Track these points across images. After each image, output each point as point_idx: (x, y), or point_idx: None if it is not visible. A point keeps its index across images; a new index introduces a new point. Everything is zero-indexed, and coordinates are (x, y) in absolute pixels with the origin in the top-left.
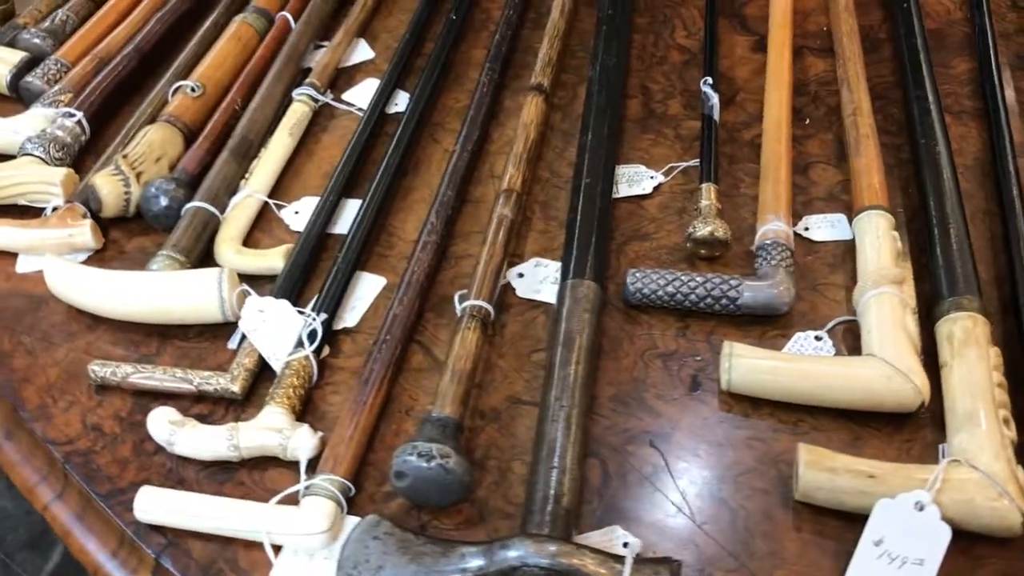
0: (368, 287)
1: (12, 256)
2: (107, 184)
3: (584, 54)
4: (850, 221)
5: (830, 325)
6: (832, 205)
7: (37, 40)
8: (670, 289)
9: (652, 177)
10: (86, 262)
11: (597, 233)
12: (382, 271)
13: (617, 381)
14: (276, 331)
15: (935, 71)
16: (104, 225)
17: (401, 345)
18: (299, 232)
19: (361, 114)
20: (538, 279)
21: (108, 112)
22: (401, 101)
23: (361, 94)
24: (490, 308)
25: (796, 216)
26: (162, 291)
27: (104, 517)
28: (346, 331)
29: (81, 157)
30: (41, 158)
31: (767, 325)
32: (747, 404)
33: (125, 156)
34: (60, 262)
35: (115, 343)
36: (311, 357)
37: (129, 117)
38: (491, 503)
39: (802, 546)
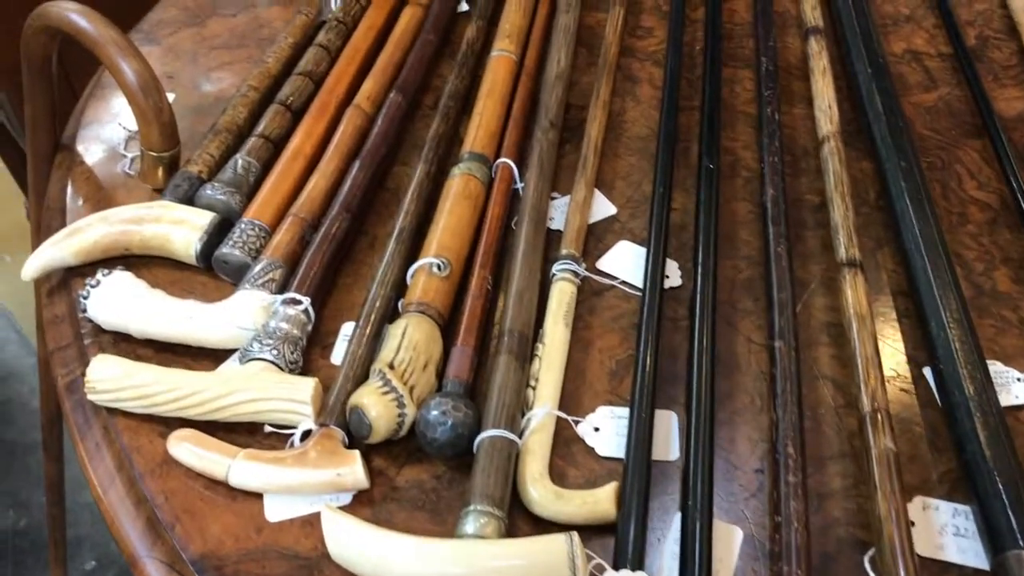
0: (724, 542)
1: (255, 497)
2: (378, 405)
3: (865, 209)
4: None
5: None
6: None
7: (222, 196)
8: None
9: (1020, 380)
10: (351, 505)
11: (1021, 477)
12: (731, 516)
13: None
14: None
15: None
16: (365, 451)
17: None
18: (608, 458)
19: (628, 289)
20: (934, 529)
21: (326, 289)
22: (670, 272)
23: (617, 262)
24: None
25: None
26: (493, 563)
27: None
28: None
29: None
30: (276, 364)
31: None
32: None
33: (392, 366)
34: (348, 523)
35: None
36: None
37: (345, 292)
38: None
39: None
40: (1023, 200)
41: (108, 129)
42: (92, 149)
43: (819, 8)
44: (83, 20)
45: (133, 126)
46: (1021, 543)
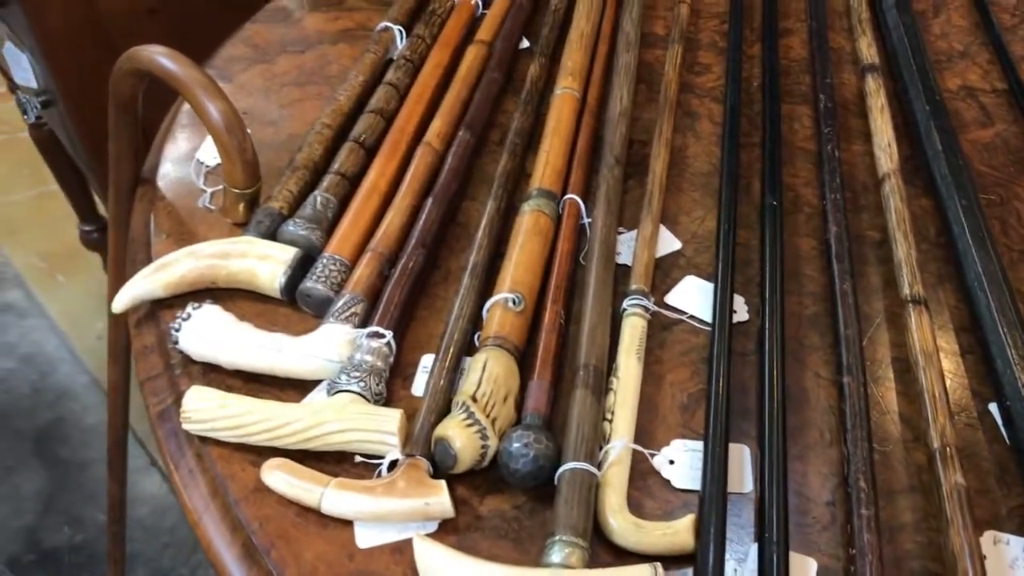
0: (800, 573)
1: (346, 524)
2: (463, 436)
3: (925, 246)
4: None
5: None
6: None
7: (304, 232)
8: None
9: None
10: (436, 534)
11: None
12: (805, 548)
13: None
14: None
15: None
16: (449, 481)
17: None
18: (683, 490)
19: (696, 324)
20: (1006, 562)
21: (405, 321)
22: (737, 307)
23: (684, 296)
24: None
25: None
26: None
27: None
28: None
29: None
30: (363, 395)
31: None
32: None
33: (474, 399)
34: (439, 552)
35: None
36: None
37: (422, 324)
38: None
39: None
40: None
41: (186, 164)
42: (172, 184)
43: (874, 45)
44: (171, 63)
45: (210, 161)
46: None
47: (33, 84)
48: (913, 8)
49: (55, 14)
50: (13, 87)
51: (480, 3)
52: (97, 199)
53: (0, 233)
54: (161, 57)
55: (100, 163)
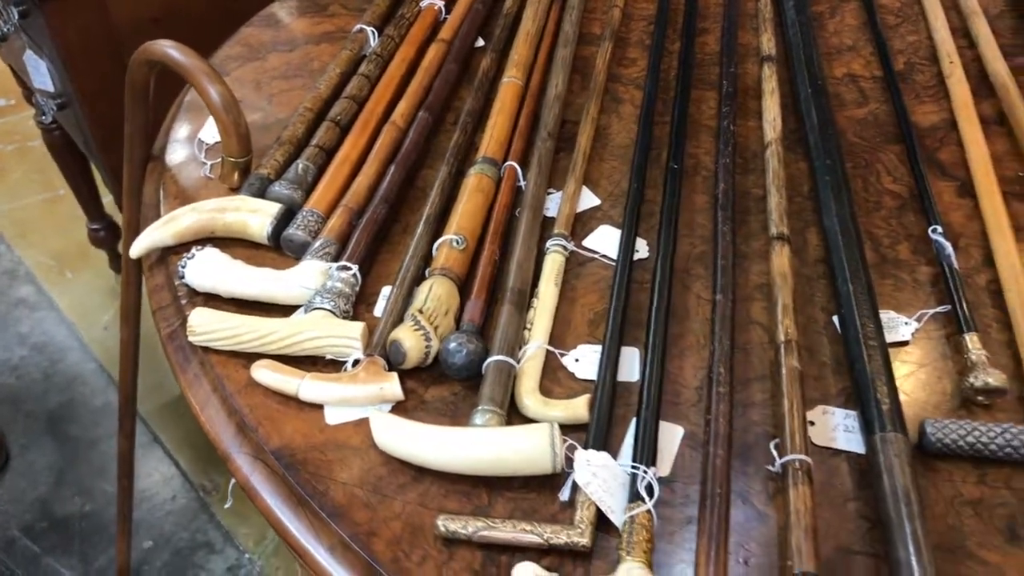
0: (669, 436)
1: (318, 408)
2: (410, 338)
3: (799, 199)
4: None
5: None
6: None
7: (287, 191)
8: (970, 439)
9: (907, 324)
10: (389, 414)
11: (889, 385)
12: (676, 419)
13: (935, 530)
14: (608, 484)
15: None
16: (401, 376)
17: (728, 498)
18: (585, 380)
19: (606, 260)
20: (830, 427)
21: (369, 261)
22: (640, 247)
23: (599, 240)
24: (810, 461)
25: None
26: (496, 446)
27: None
28: (661, 479)
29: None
30: (332, 312)
31: None
32: None
33: (421, 311)
34: (389, 418)
35: (446, 495)
36: (653, 512)
37: (384, 264)
38: None
39: None
40: (927, 190)
41: (189, 144)
42: (177, 159)
43: (773, 40)
44: (179, 54)
45: (209, 140)
46: (887, 428)
47: (50, 88)
48: (812, 9)
49: (72, 25)
50: (31, 91)
51: (443, 8)
52: (103, 199)
53: (13, 235)
54: (171, 49)
55: (110, 155)
